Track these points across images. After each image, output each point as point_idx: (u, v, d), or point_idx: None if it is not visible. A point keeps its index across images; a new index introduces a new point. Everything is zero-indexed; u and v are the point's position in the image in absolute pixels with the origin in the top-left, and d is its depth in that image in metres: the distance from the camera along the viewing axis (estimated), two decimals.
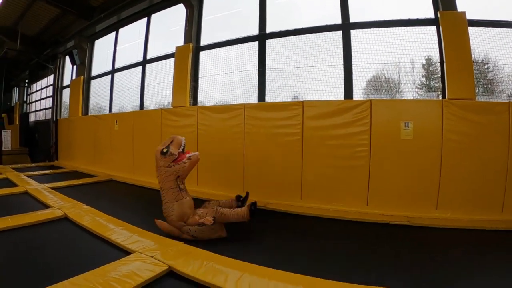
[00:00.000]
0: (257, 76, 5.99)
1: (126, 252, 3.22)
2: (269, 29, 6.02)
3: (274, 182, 5.30)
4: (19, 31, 11.98)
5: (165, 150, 3.77)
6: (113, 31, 9.91)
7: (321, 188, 4.85)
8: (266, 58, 5.92)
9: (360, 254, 3.17)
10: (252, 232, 3.99)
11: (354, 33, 5.16)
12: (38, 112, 15.73)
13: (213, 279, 2.58)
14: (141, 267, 2.81)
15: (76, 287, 2.46)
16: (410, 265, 2.90)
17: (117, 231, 3.79)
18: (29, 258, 3.27)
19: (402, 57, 4.86)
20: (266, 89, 5.91)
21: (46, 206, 5.08)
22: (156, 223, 3.80)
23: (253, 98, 6.01)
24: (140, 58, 8.65)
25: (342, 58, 5.15)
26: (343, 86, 5.10)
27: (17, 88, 18.95)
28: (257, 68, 6.01)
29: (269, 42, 5.98)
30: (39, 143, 14.22)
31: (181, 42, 7.20)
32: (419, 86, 4.96)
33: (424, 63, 4.91)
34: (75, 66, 11.30)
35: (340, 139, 4.69)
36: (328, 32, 5.35)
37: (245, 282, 2.50)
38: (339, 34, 5.25)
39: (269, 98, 5.86)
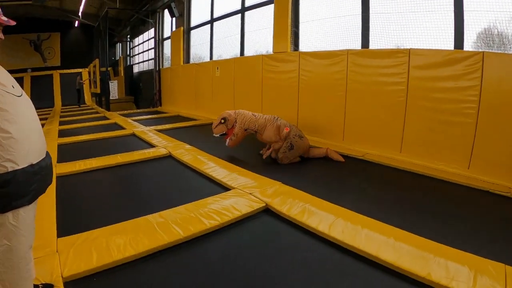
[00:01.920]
0: (360, 22, 5.59)
1: (225, 188, 3.46)
2: None
3: (373, 133, 5.16)
4: None
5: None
6: None
7: (423, 144, 4.55)
8: (370, 2, 5.45)
9: (459, 218, 2.92)
10: (348, 180, 3.99)
11: None
12: (141, 63, 17.10)
13: (307, 220, 2.64)
14: (239, 202, 2.99)
15: (178, 215, 2.72)
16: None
17: (217, 169, 4.08)
18: (137, 189, 3.71)
19: None
20: (370, 35, 5.50)
21: (151, 146, 5.61)
22: None
23: (356, 45, 5.68)
24: (239, 6, 8.68)
25: (452, 2, 4.57)
26: (453, 35, 4.57)
27: (120, 44, 20.66)
28: (360, 13, 5.59)
29: None
30: (143, 92, 15.64)
31: None
32: None
33: None
34: (174, 18, 11.86)
35: (447, 92, 4.25)
36: None
37: (338, 227, 2.51)
38: None
39: (373, 45, 5.47)
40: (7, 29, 1.61)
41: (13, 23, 1.57)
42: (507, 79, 3.79)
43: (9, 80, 1.42)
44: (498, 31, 4.36)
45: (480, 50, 4.28)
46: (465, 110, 4.13)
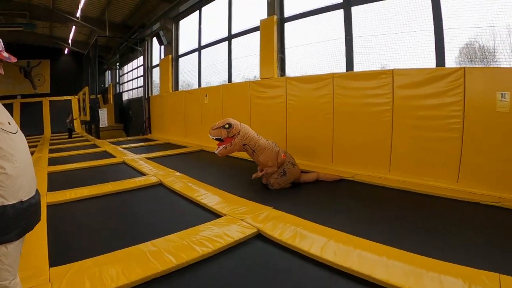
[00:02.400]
0: (344, 45, 5.79)
1: (217, 215, 3.44)
2: None
3: (362, 153, 5.23)
4: (106, 20, 13.20)
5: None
6: (196, 10, 10.33)
7: (411, 161, 4.62)
8: (353, 26, 5.65)
9: (451, 232, 2.95)
10: (339, 202, 4.01)
11: None
12: (131, 91, 17.17)
13: (299, 244, 2.64)
14: (231, 228, 2.98)
15: (171, 243, 2.70)
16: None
17: (208, 196, 4.07)
18: (128, 218, 3.67)
19: (497, 22, 4.25)
20: (354, 58, 5.68)
21: (142, 174, 5.58)
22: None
23: (341, 68, 5.85)
24: (225, 34, 8.86)
25: (432, 22, 4.74)
26: (434, 53, 4.71)
27: (109, 71, 20.78)
28: (344, 37, 5.78)
29: (354, 10, 5.65)
30: (133, 119, 15.64)
31: (265, 15, 7.20)
32: None
33: None
34: (162, 46, 12.06)
35: (432, 109, 4.37)
36: None
37: (330, 249, 2.51)
38: None
39: (357, 67, 5.63)
40: None
41: (14, 60, 1.60)
42: (489, 91, 3.92)
43: (6, 117, 1.45)
44: (479, 45, 4.50)
45: (461, 65, 4.42)
46: (450, 126, 4.23)
